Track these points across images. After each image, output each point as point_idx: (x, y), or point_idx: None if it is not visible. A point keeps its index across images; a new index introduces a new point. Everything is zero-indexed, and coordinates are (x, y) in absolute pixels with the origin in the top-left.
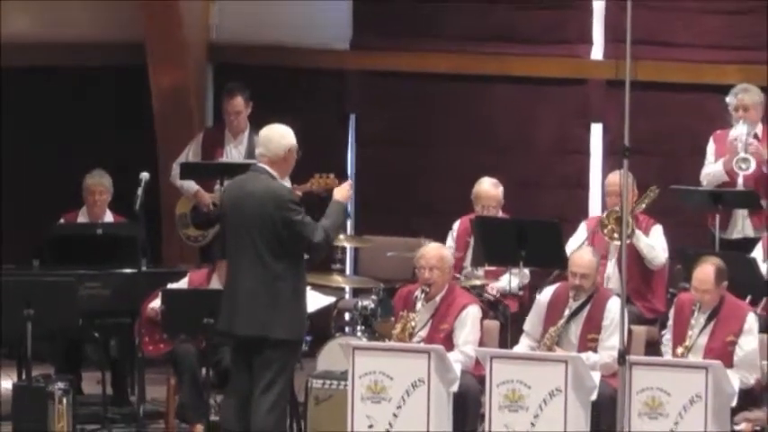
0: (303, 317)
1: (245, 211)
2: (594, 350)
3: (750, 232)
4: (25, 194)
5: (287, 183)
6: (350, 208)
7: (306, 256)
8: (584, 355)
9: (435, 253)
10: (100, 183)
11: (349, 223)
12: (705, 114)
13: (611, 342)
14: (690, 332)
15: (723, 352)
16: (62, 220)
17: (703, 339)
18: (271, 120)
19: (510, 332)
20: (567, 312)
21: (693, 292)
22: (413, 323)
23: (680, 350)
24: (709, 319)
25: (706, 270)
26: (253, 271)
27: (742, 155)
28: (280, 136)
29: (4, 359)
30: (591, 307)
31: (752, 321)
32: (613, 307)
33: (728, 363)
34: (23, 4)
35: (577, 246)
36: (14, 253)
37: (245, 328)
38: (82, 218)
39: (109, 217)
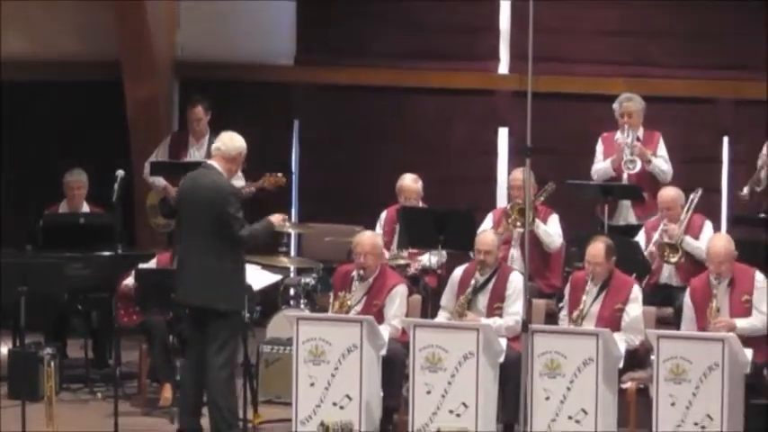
0: (243, 291)
1: (196, 200)
2: (500, 316)
3: (633, 220)
4: (18, 190)
5: (241, 180)
6: (294, 201)
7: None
8: (491, 320)
9: (370, 241)
10: (78, 179)
11: (294, 213)
12: (595, 120)
13: (513, 308)
14: (584, 297)
15: (612, 318)
16: (47, 212)
17: (595, 308)
18: (228, 125)
19: (430, 305)
20: (472, 282)
21: (587, 266)
22: (349, 302)
23: (575, 314)
24: (600, 290)
25: (598, 246)
26: (200, 251)
27: (629, 157)
28: (235, 139)
29: (2, 329)
30: (495, 280)
31: (636, 292)
32: (515, 279)
33: (617, 327)
34: (19, 27)
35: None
36: (11, 239)
37: (196, 299)
38: (63, 209)
39: (85, 208)
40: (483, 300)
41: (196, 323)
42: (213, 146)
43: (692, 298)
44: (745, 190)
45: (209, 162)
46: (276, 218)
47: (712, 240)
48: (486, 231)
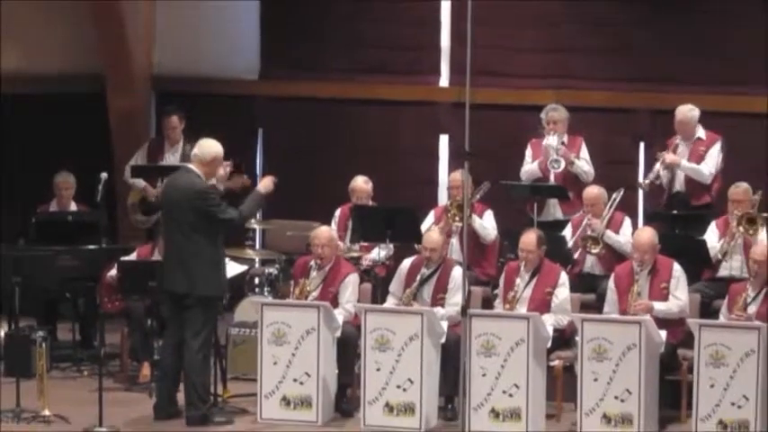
0: (220, 278)
1: (175, 198)
2: (443, 306)
3: (560, 216)
4: (13, 189)
5: (211, 180)
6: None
7: (224, 231)
8: (435, 309)
9: (326, 234)
10: (66, 180)
11: (259, 211)
12: (526, 127)
13: (454, 300)
14: (518, 281)
15: (543, 301)
16: (38, 210)
17: (528, 292)
18: (199, 133)
19: (379, 292)
20: (418, 277)
21: (520, 253)
22: (308, 288)
23: (510, 295)
24: (532, 276)
25: (530, 235)
26: (180, 244)
27: (554, 156)
28: (209, 146)
29: None
30: (439, 274)
31: (564, 277)
32: (456, 274)
33: (547, 309)
34: (14, 45)
35: (428, 227)
36: (5, 234)
37: (176, 286)
38: (53, 207)
39: (73, 206)
40: (428, 290)
41: (175, 308)
42: (192, 151)
43: (616, 283)
44: (646, 181)
45: (189, 165)
46: (264, 183)
47: (639, 232)
48: (432, 231)
